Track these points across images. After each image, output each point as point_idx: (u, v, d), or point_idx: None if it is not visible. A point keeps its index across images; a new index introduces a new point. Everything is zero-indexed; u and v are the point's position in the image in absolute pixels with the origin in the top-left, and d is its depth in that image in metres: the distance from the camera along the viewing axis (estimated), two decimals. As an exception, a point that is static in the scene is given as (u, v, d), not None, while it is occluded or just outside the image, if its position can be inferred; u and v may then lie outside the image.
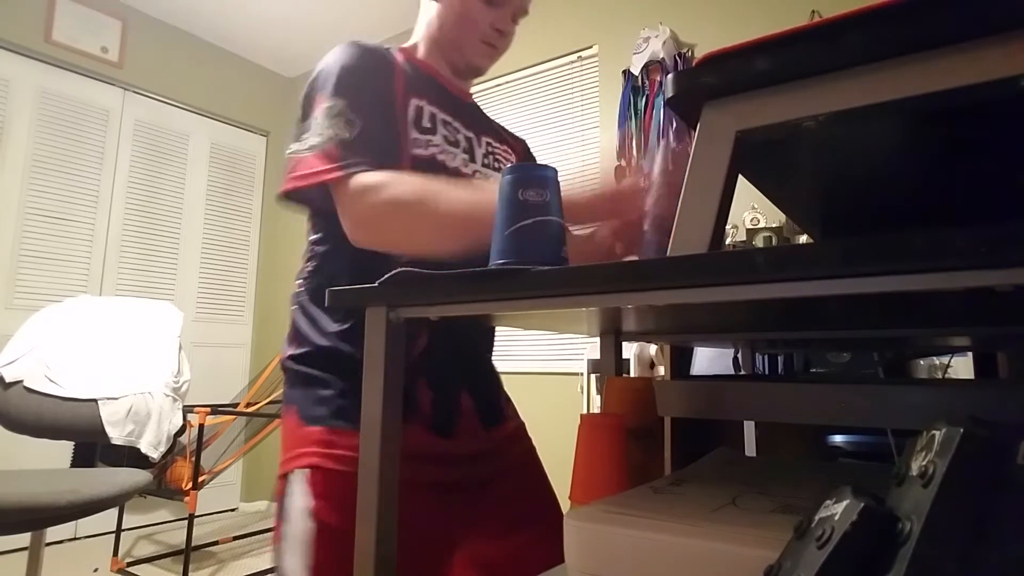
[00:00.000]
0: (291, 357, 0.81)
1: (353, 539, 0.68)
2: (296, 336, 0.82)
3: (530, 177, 0.54)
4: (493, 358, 0.94)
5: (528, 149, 1.06)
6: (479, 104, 0.99)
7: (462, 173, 0.85)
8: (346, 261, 0.79)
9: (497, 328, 0.95)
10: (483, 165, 0.90)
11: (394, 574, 0.56)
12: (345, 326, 0.78)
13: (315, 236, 0.84)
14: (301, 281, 0.84)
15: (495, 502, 0.83)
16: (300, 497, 0.72)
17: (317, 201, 0.79)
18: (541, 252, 0.52)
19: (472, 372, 0.86)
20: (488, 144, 0.93)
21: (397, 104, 0.81)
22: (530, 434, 0.94)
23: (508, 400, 0.94)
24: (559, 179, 0.56)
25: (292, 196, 0.78)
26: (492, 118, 1.01)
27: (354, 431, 0.72)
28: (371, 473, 0.55)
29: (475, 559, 0.78)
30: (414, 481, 0.66)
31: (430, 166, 0.79)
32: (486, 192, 0.68)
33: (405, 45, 0.92)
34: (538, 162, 0.67)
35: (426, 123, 0.83)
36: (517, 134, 1.06)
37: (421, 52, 0.91)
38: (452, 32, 0.88)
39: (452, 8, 0.87)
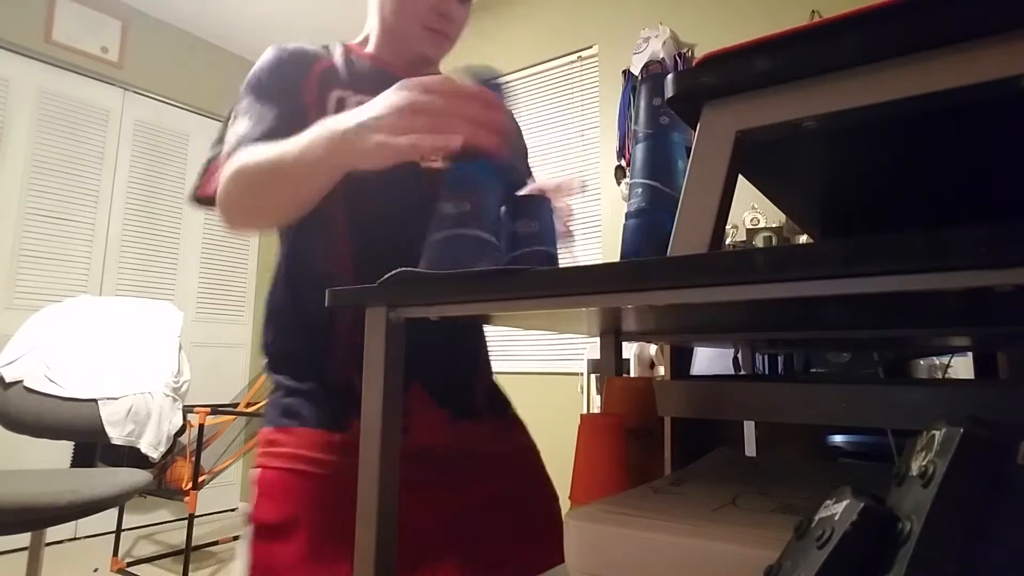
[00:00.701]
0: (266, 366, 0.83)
1: (284, 533, 0.69)
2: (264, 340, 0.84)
3: (523, 209, 0.55)
4: (475, 349, 0.89)
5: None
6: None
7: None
8: (284, 265, 0.82)
9: (496, 328, 0.95)
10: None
11: (394, 574, 0.56)
12: (288, 326, 0.80)
13: (282, 249, 0.85)
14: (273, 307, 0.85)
15: (484, 502, 0.80)
16: (250, 502, 0.73)
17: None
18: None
19: (424, 363, 0.78)
20: None
21: (306, 97, 0.79)
22: (530, 434, 0.92)
23: (496, 395, 0.90)
24: (551, 208, 0.56)
25: (200, 202, 0.79)
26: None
27: (298, 428, 0.74)
28: (371, 473, 0.55)
29: (457, 561, 0.77)
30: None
31: None
32: (288, 144, 0.63)
33: (356, 40, 0.91)
34: (528, 192, 0.65)
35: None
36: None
37: (371, 45, 0.89)
38: (393, 21, 0.86)
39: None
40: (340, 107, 0.79)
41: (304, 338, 0.79)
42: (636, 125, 0.62)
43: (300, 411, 0.75)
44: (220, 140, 0.78)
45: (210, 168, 0.76)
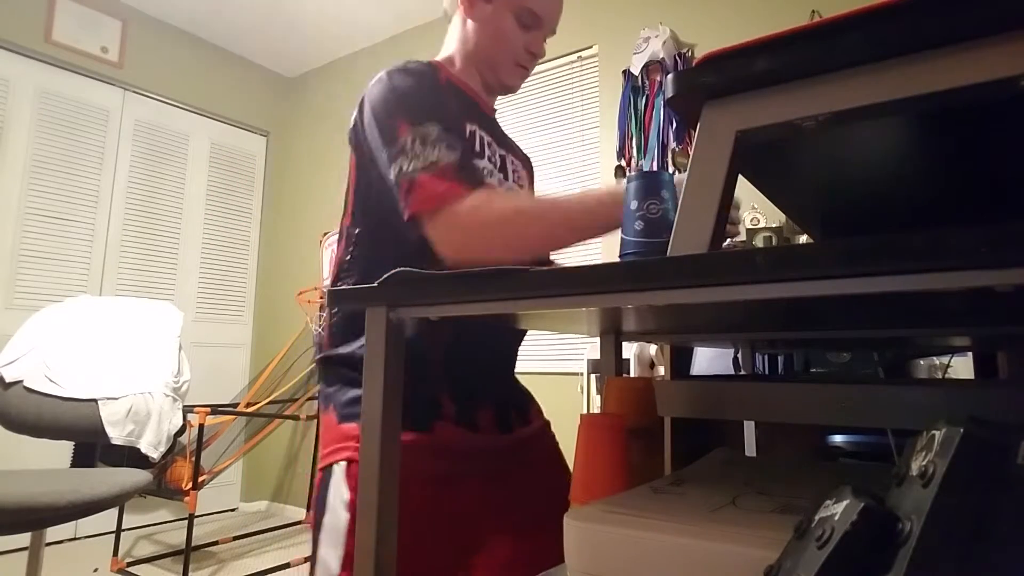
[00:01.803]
0: (331, 356, 0.84)
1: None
2: (336, 335, 0.84)
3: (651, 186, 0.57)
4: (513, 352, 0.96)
5: (532, 167, 1.07)
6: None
7: None
8: (390, 256, 0.81)
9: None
10: (513, 182, 0.92)
11: (394, 574, 0.56)
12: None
13: (356, 230, 0.85)
14: (343, 275, 0.85)
15: (512, 499, 0.86)
16: (339, 489, 0.76)
17: (368, 196, 0.82)
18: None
19: (496, 382, 0.90)
20: (512, 161, 0.95)
21: (460, 122, 0.83)
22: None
23: (530, 403, 0.97)
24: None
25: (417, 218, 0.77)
26: (505, 132, 1.03)
27: None
28: (371, 473, 0.55)
29: (488, 555, 0.82)
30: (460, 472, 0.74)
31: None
32: (579, 203, 0.78)
33: (440, 59, 0.93)
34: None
35: (478, 147, 0.86)
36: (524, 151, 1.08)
37: (457, 67, 0.92)
38: (487, 51, 0.90)
39: (488, 28, 0.88)
40: (472, 140, 0.85)
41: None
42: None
43: None
44: (394, 160, 0.77)
45: (416, 184, 0.75)
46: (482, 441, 0.84)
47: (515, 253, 0.73)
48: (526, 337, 0.96)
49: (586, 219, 0.77)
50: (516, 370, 0.97)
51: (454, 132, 0.79)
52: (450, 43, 0.93)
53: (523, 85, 0.96)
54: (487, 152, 0.87)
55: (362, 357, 0.79)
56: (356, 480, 0.74)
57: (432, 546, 0.76)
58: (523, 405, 0.95)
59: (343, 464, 0.76)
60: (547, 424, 0.98)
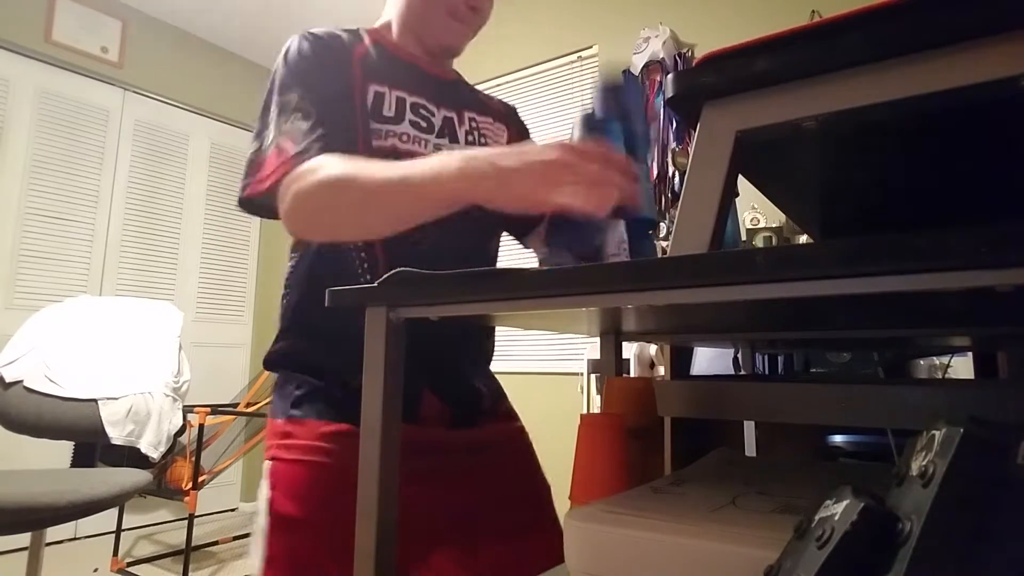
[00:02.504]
0: (268, 359, 0.82)
1: (305, 527, 0.70)
2: (274, 339, 0.83)
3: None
4: (478, 359, 0.90)
5: (515, 114, 1.01)
6: (464, 79, 0.96)
7: None
8: (308, 265, 0.81)
9: (495, 329, 0.94)
10: (467, 143, 0.87)
11: (394, 574, 0.56)
12: (299, 323, 0.80)
13: (292, 242, 0.84)
14: (285, 288, 0.85)
15: (471, 502, 0.80)
16: (263, 490, 0.74)
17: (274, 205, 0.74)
18: None
19: (437, 373, 0.81)
20: (471, 120, 0.89)
21: (354, 92, 0.78)
22: (530, 434, 0.93)
23: (497, 401, 0.91)
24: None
25: (250, 202, 0.73)
26: (479, 90, 0.98)
27: (309, 420, 0.75)
28: (371, 473, 0.55)
29: (445, 557, 0.77)
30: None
31: (391, 156, 0.71)
32: (414, 167, 0.62)
33: (376, 26, 0.89)
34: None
35: (387, 111, 0.80)
36: (506, 100, 1.02)
37: (394, 33, 0.88)
38: (421, 10, 0.85)
39: None
40: (378, 101, 0.79)
41: (322, 339, 0.79)
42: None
43: (313, 404, 0.76)
44: (259, 134, 0.74)
45: (257, 164, 0.72)
46: (425, 435, 0.77)
47: (333, 226, 0.68)
48: (526, 337, 0.95)
49: (437, 182, 0.61)
50: (488, 364, 0.91)
51: (324, 97, 0.74)
52: (388, 8, 0.90)
53: (523, 85, 0.95)
54: (410, 116, 0.81)
55: (287, 351, 0.79)
56: (275, 479, 0.74)
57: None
58: (478, 401, 0.86)
59: (267, 464, 0.75)
60: (520, 429, 0.91)
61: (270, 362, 0.81)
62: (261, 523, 0.72)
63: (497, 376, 0.93)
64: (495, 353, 0.95)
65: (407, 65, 0.86)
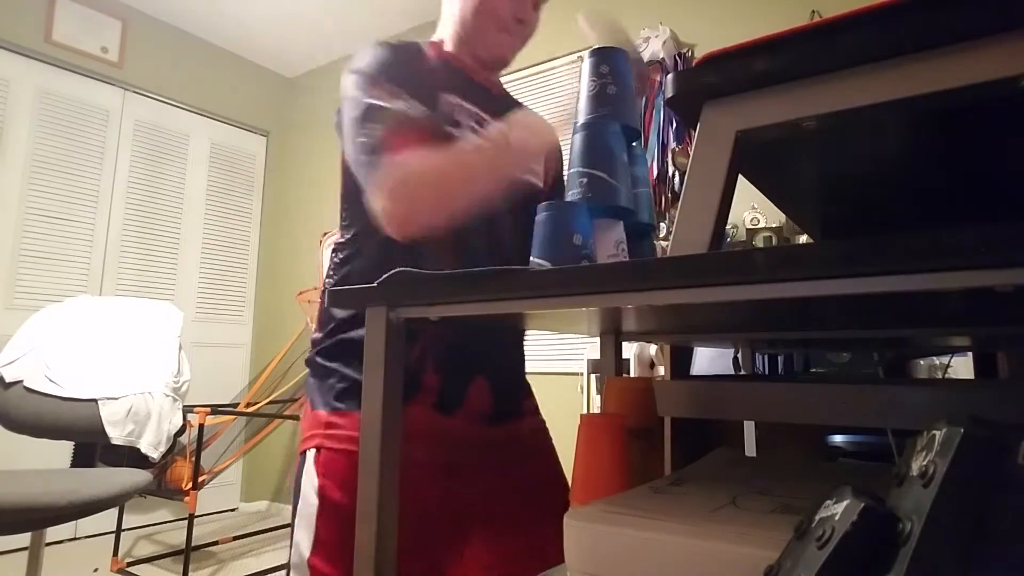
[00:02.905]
0: (312, 349, 0.86)
1: (354, 515, 0.72)
2: (317, 329, 0.87)
3: None
4: (521, 356, 0.96)
5: (558, 142, 1.06)
6: (511, 93, 1.01)
7: None
8: (374, 253, 0.82)
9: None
10: None
11: (394, 573, 0.56)
12: (351, 314, 0.83)
13: (345, 229, 0.87)
14: (329, 274, 0.87)
15: (503, 495, 0.85)
16: (310, 476, 0.78)
17: (354, 189, 0.80)
18: None
19: (495, 363, 0.88)
20: None
21: (432, 96, 0.83)
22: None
23: (528, 396, 0.97)
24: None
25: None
26: (526, 106, 1.02)
27: (353, 412, 0.79)
28: (371, 473, 0.55)
29: (479, 548, 0.82)
30: (415, 460, 0.69)
31: None
32: (478, 148, 0.74)
33: (433, 39, 0.94)
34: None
35: (454, 117, 0.85)
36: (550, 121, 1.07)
37: (448, 46, 0.93)
38: (473, 24, 0.90)
39: (471, 0, 0.89)
40: (446, 108, 0.84)
41: None
42: (576, 116, 0.65)
43: (357, 397, 0.78)
44: (356, 133, 0.77)
45: (392, 131, 0.74)
46: (465, 430, 0.83)
47: (443, 207, 0.72)
48: (526, 337, 0.96)
49: (491, 162, 0.74)
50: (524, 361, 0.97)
51: (415, 98, 0.78)
52: (443, 24, 0.95)
53: (523, 85, 0.96)
54: (469, 123, 0.86)
55: (333, 346, 0.83)
56: (324, 467, 0.78)
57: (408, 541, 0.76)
58: (520, 394, 0.94)
59: (313, 452, 0.79)
60: (543, 422, 0.98)
61: (326, 353, 0.84)
62: (310, 508, 0.76)
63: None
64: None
65: (465, 77, 0.91)
